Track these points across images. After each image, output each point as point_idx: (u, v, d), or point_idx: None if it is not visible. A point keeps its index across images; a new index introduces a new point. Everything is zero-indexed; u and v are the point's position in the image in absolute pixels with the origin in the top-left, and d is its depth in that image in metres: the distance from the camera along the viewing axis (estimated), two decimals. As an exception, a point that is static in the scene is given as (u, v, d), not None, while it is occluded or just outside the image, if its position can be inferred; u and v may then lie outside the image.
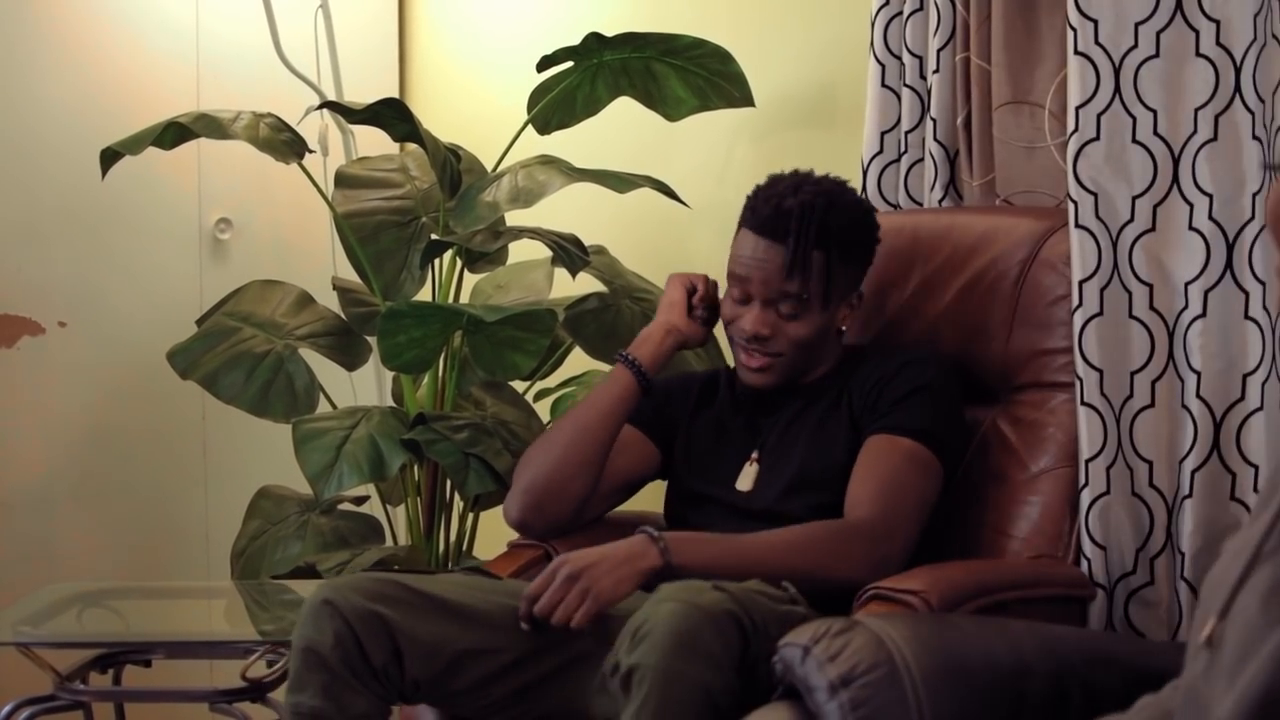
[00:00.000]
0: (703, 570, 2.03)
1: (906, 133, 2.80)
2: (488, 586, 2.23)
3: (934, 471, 2.28)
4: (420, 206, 3.20)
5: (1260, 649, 1.19)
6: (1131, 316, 2.38)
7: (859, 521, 2.19)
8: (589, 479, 2.42)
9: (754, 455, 2.40)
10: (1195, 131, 2.32)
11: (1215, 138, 2.31)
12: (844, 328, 2.42)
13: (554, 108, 3.13)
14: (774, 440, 2.40)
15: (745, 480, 2.39)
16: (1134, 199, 2.38)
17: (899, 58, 2.80)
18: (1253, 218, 2.28)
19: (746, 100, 3.08)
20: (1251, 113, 2.28)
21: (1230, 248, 2.30)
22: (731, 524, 2.23)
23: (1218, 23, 2.31)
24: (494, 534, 2.81)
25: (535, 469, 2.43)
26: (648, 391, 2.46)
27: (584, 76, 3.10)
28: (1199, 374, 2.33)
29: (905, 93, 2.79)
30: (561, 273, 3.19)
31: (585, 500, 2.43)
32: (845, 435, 2.33)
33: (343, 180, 3.25)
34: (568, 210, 3.25)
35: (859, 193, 2.40)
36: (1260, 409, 2.28)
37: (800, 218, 2.30)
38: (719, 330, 2.54)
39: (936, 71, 2.73)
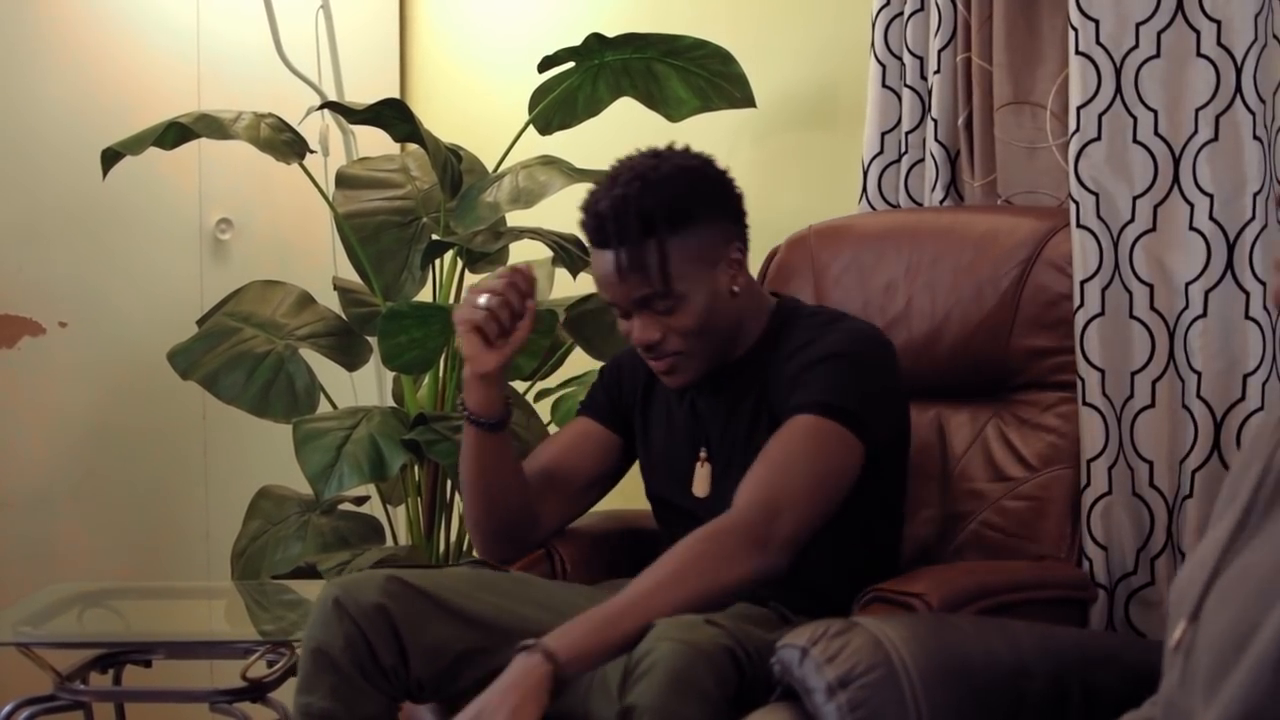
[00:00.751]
0: (591, 654, 1.91)
1: (907, 133, 2.80)
2: (490, 585, 2.21)
3: (838, 443, 2.11)
4: (421, 207, 3.20)
5: (1238, 665, 1.19)
6: (1132, 317, 2.37)
7: (732, 515, 2.03)
8: (517, 517, 2.33)
9: (702, 454, 2.30)
10: (1196, 132, 2.32)
11: (1216, 138, 2.31)
12: (736, 288, 2.23)
13: (555, 108, 3.13)
14: (718, 436, 2.28)
15: (700, 485, 2.29)
16: (1135, 199, 2.37)
17: (900, 58, 2.80)
18: (1253, 218, 2.28)
19: (748, 101, 3.07)
20: (1252, 113, 2.28)
21: (1231, 248, 2.30)
22: None
23: (1219, 23, 2.31)
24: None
25: (466, 516, 2.37)
26: (501, 427, 2.27)
27: (585, 77, 3.10)
28: (1199, 374, 2.33)
29: (906, 93, 2.79)
30: (562, 273, 3.19)
31: (532, 527, 2.36)
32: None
33: (343, 180, 3.25)
34: (568, 210, 3.23)
35: (689, 151, 2.24)
36: (1261, 409, 2.28)
37: (615, 218, 2.14)
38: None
39: (937, 72, 2.72)
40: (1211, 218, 2.30)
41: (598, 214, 2.16)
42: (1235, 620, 1.22)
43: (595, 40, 3.01)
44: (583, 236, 2.24)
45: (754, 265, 2.83)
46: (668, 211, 2.15)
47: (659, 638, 1.85)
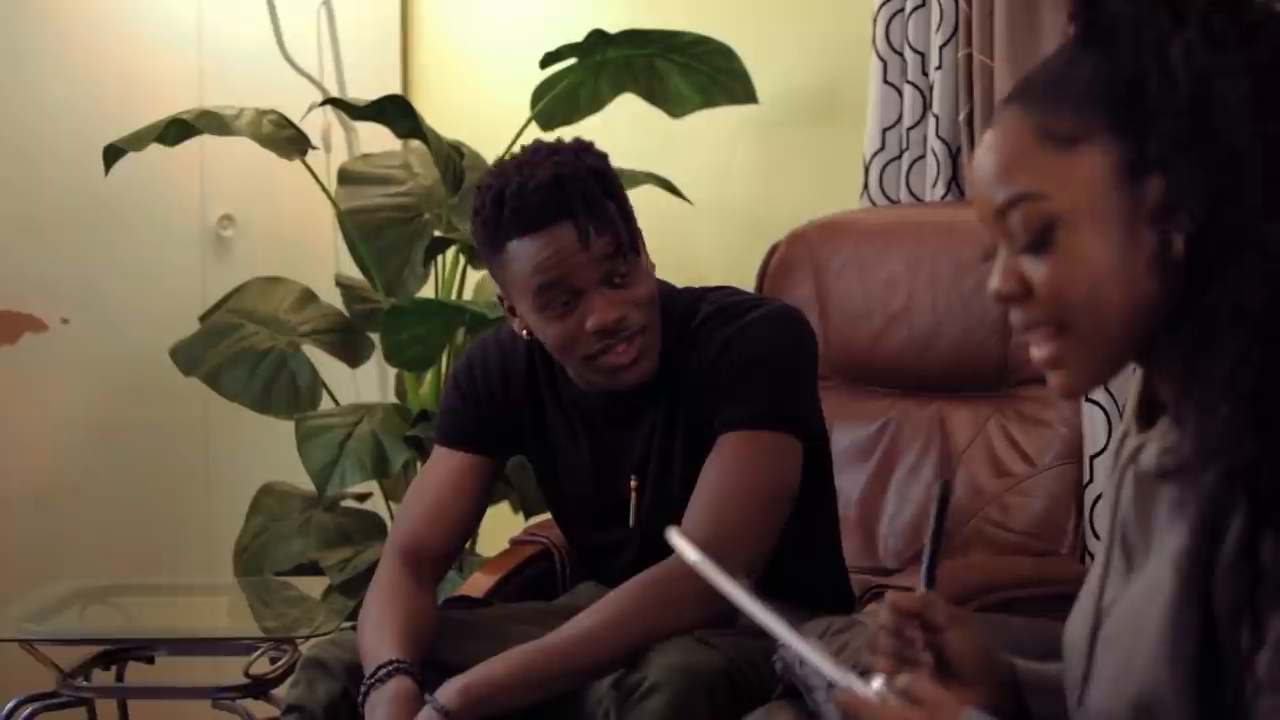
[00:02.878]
0: (510, 692, 1.84)
1: (908, 129, 2.80)
2: (470, 629, 2.09)
3: (781, 454, 1.98)
4: (423, 203, 3.20)
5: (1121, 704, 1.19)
6: (1134, 313, 2.37)
7: (678, 559, 1.85)
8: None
9: (633, 483, 2.09)
10: (1198, 128, 2.32)
11: (1218, 134, 2.30)
12: (652, 266, 2.06)
13: (557, 104, 3.13)
14: (640, 460, 2.08)
15: (635, 515, 2.09)
16: (1137, 195, 2.37)
17: (901, 54, 2.80)
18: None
19: (750, 97, 3.07)
20: (1254, 109, 2.28)
21: (1233, 244, 2.29)
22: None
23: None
24: (496, 530, 2.81)
25: None
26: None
27: (587, 73, 3.10)
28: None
29: (907, 89, 2.79)
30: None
31: (449, 558, 2.18)
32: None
33: (346, 177, 3.25)
34: (570, 207, 3.25)
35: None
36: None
37: (573, 181, 1.94)
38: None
39: (939, 68, 2.73)
40: (1213, 214, 2.30)
41: (542, 187, 1.93)
42: (1121, 660, 1.22)
43: (597, 36, 3.01)
44: (499, 231, 1.97)
45: (753, 261, 2.85)
46: (610, 174, 2.01)
47: (658, 662, 1.81)
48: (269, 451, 3.29)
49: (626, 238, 1.98)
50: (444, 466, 2.15)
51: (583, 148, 2.02)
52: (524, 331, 2.04)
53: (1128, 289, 1.15)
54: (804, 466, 2.02)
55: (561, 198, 1.93)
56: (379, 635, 1.97)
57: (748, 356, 1.99)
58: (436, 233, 3.13)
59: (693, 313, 2.07)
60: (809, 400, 2.08)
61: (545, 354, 2.09)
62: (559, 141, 2.02)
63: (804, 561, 2.11)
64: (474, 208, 2.01)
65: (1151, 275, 1.14)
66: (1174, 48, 1.13)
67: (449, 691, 1.84)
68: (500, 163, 2.01)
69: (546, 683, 1.86)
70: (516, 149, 3.03)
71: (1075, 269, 1.16)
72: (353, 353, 3.24)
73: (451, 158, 3.07)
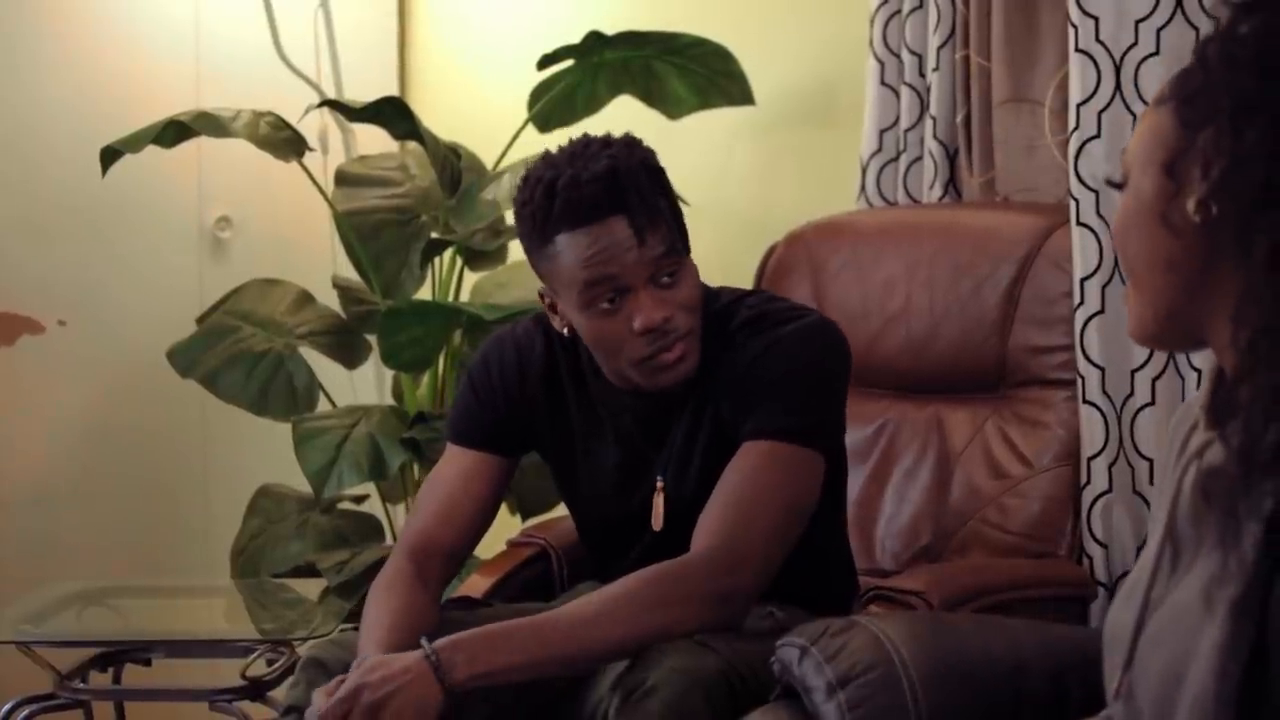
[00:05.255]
0: (500, 672, 1.79)
1: (905, 131, 2.80)
2: (468, 627, 1.97)
3: (805, 468, 1.95)
4: (420, 205, 3.20)
5: (1178, 706, 1.18)
6: (1132, 314, 2.37)
7: (695, 557, 1.87)
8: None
9: (659, 484, 2.06)
10: (1195, 129, 2.32)
11: (1215, 135, 2.30)
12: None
13: (555, 106, 3.13)
14: (664, 461, 2.06)
15: (658, 518, 2.06)
16: (1134, 197, 2.37)
17: (898, 55, 2.80)
18: (1253, 216, 2.28)
19: (747, 99, 3.08)
20: (1252, 110, 2.28)
21: (1231, 246, 2.29)
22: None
23: (1218, 20, 2.30)
24: (493, 532, 2.80)
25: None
26: None
27: (585, 75, 3.10)
28: (1199, 372, 2.33)
29: (904, 91, 2.79)
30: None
31: (459, 556, 2.15)
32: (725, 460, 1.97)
33: (343, 179, 3.25)
34: (568, 208, 3.24)
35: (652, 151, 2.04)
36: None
37: (628, 175, 1.91)
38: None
39: (936, 69, 2.73)
40: (1211, 215, 2.30)
41: (596, 180, 1.89)
42: (1168, 661, 1.21)
43: (594, 38, 3.01)
44: (548, 223, 1.94)
45: (751, 262, 2.85)
46: (661, 171, 1.99)
47: (658, 664, 1.79)
48: (266, 453, 3.29)
49: (679, 236, 1.97)
50: (456, 465, 2.13)
51: (634, 142, 1.99)
52: (564, 329, 2.03)
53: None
54: (824, 480, 2.00)
55: (616, 192, 1.90)
56: (367, 634, 1.96)
57: (783, 368, 1.97)
58: (434, 234, 3.13)
59: (730, 315, 2.04)
60: (837, 417, 2.05)
61: (571, 352, 2.08)
62: (609, 136, 2.00)
63: (812, 568, 2.09)
64: (520, 199, 1.98)
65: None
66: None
67: (448, 655, 1.79)
68: (548, 154, 1.98)
69: (543, 663, 1.82)
70: (514, 151, 3.08)
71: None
72: (350, 354, 3.24)
73: (449, 159, 3.07)
